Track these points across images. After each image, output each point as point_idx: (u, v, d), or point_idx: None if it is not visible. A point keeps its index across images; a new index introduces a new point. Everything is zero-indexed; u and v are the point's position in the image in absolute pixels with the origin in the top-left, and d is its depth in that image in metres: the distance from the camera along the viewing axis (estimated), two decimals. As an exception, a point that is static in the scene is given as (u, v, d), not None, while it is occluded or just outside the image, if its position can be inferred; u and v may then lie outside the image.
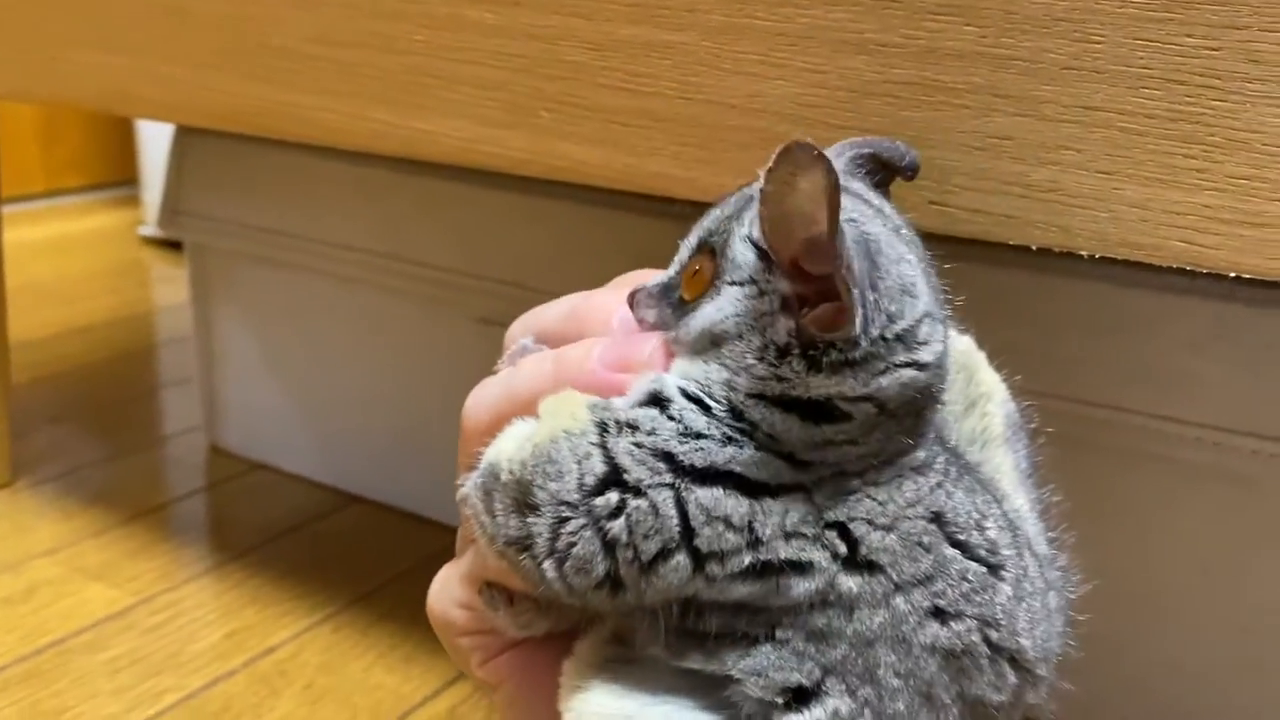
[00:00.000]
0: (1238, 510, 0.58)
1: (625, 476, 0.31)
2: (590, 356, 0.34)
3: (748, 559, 0.30)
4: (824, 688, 0.31)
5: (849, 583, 0.31)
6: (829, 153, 0.31)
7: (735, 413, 0.31)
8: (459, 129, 0.54)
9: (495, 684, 0.39)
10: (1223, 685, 0.60)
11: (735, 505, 0.30)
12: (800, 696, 0.31)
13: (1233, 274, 0.39)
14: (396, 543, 0.81)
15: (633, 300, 0.35)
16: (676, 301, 0.33)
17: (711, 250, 0.33)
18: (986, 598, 0.32)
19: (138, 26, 0.61)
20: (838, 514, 0.31)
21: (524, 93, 0.51)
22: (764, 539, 0.30)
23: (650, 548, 0.30)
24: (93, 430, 1.00)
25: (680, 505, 0.30)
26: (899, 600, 0.31)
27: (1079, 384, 0.58)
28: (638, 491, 0.30)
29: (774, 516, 0.31)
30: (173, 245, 1.48)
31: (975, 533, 0.32)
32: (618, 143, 0.49)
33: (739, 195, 0.34)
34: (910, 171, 0.39)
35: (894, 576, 0.31)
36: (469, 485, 0.34)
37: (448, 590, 0.39)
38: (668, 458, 0.31)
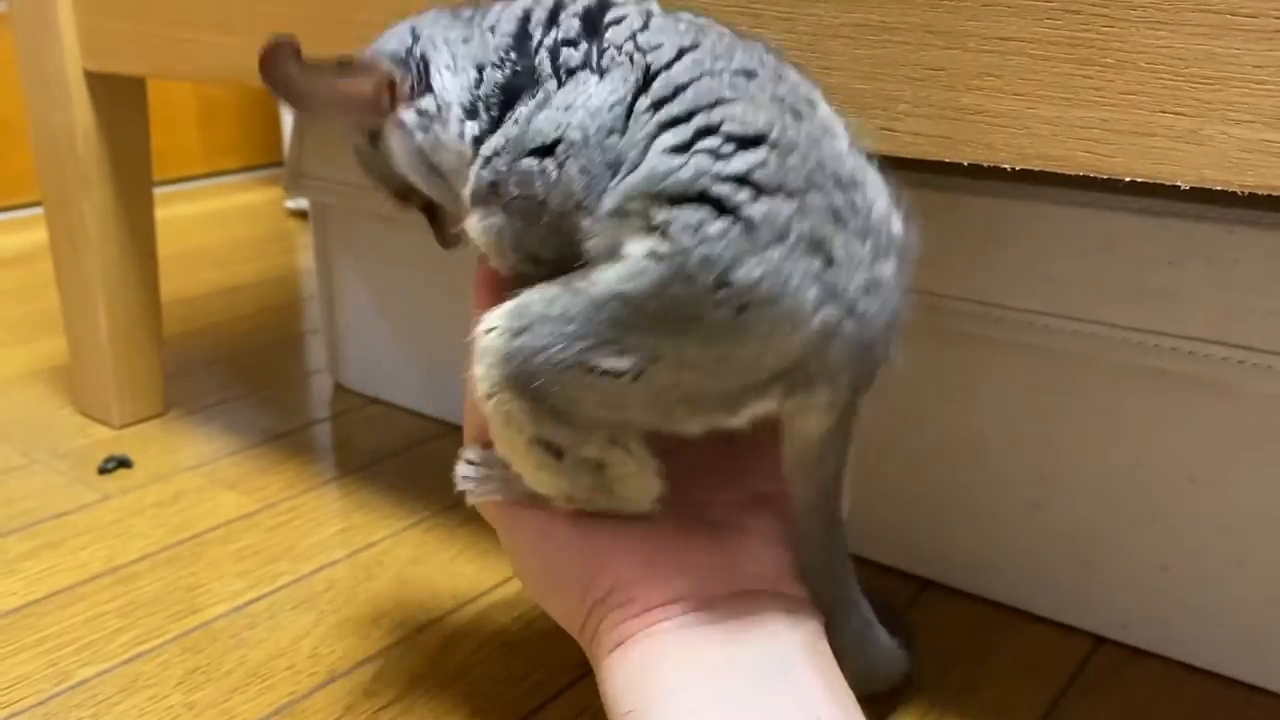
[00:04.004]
0: (1218, 417, 0.62)
1: None
2: None
3: None
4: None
5: None
6: None
7: None
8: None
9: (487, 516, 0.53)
10: (1209, 581, 0.65)
11: None
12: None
13: (1126, 179, 0.45)
14: (486, 463, 0.91)
15: None
16: None
17: None
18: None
19: (249, 9, 0.72)
20: None
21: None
22: None
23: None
24: (235, 372, 1.14)
25: None
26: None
27: (1070, 302, 0.64)
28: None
29: None
30: (314, 217, 1.63)
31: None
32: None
33: None
34: None
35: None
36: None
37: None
38: None
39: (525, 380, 0.42)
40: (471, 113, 0.45)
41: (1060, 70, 0.45)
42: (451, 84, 0.45)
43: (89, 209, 0.92)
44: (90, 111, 0.89)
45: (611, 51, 0.43)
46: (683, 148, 0.41)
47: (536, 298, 0.43)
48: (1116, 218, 0.62)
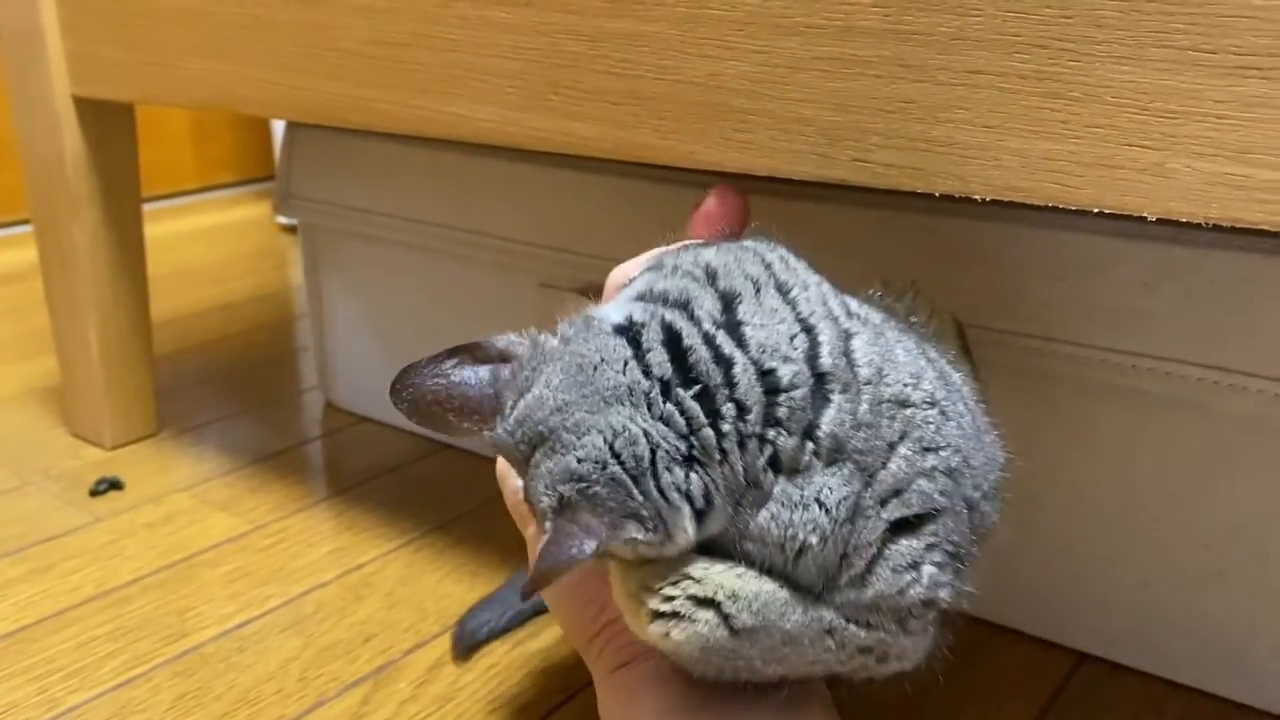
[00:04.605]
0: (1196, 436, 0.63)
1: None
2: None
3: None
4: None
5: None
6: None
7: None
8: (488, 113, 0.63)
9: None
10: (1190, 597, 0.65)
11: None
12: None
13: (1095, 210, 0.45)
14: (473, 482, 0.92)
15: None
16: None
17: None
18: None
19: (234, 37, 0.73)
20: None
21: (536, 80, 0.60)
22: None
23: None
24: (228, 389, 1.14)
25: None
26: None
27: (1047, 323, 0.64)
28: None
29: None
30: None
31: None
32: (610, 119, 0.58)
33: None
34: None
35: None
36: None
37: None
38: None
39: (709, 671, 0.42)
40: (700, 515, 0.40)
41: (1029, 104, 0.45)
42: (689, 524, 0.39)
43: (79, 232, 0.93)
44: (79, 136, 0.90)
45: (827, 440, 0.40)
46: (914, 564, 0.42)
47: (773, 595, 0.40)
48: (1093, 240, 0.62)
